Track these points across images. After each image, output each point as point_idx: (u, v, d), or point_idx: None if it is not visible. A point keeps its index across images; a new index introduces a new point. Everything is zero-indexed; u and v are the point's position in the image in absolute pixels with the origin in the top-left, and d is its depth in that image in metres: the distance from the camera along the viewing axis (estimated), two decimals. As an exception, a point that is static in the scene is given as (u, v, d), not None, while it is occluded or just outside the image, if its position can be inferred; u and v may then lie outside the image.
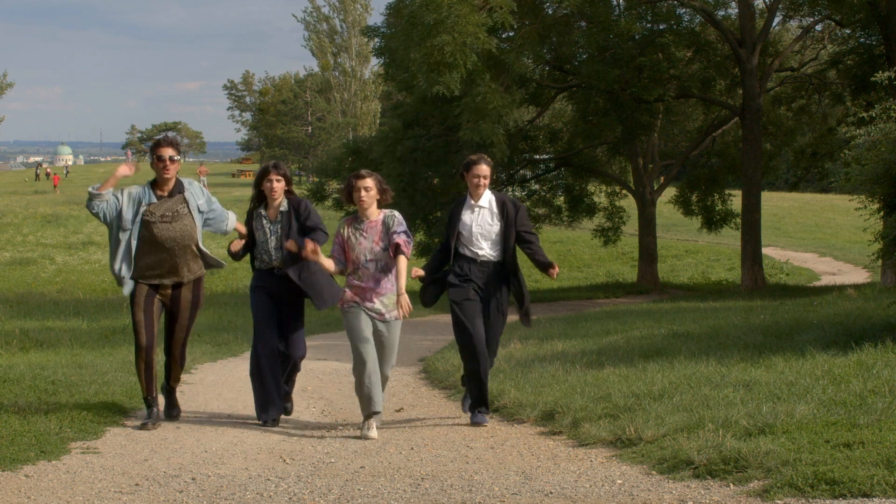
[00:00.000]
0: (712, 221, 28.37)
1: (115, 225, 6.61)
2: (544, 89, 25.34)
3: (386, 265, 6.63)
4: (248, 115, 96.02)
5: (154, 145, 6.75)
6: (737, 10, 24.25)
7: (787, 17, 26.46)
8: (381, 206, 6.76)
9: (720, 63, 25.11)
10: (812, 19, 25.42)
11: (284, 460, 5.85)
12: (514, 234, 6.92)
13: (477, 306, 6.85)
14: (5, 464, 5.43)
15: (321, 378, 9.67)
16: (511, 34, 22.35)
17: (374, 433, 6.54)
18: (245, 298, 20.10)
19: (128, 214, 6.60)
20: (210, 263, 6.91)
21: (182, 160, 6.98)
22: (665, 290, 26.18)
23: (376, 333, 6.65)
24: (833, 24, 25.10)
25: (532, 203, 27.38)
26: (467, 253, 6.93)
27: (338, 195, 23.09)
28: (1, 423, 6.37)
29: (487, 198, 6.99)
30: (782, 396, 6.11)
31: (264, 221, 7.03)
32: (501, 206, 6.96)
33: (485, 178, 6.93)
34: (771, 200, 43.15)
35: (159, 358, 7.05)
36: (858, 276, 28.42)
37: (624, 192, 28.78)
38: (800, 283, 27.40)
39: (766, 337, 9.23)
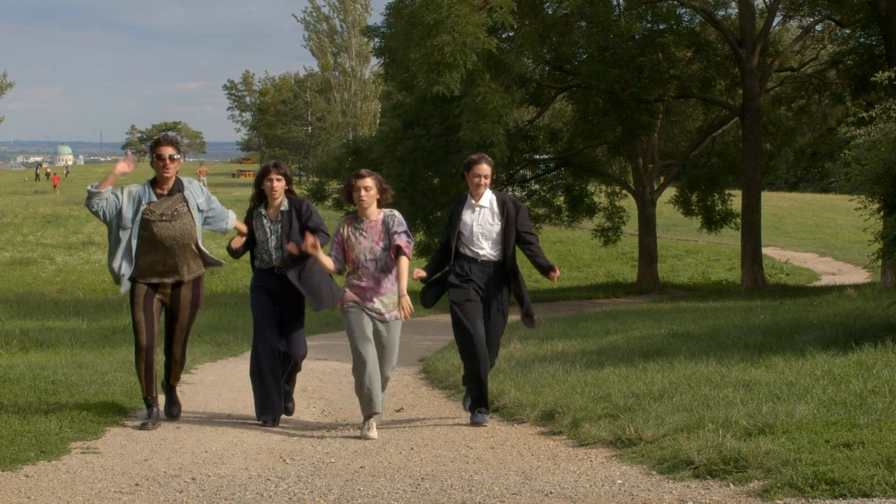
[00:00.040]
0: (712, 221, 28.37)
1: (114, 223, 6.61)
2: (544, 89, 25.34)
3: (386, 265, 6.63)
4: (248, 115, 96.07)
5: (154, 144, 6.75)
6: (737, 10, 24.26)
7: (787, 17, 26.46)
8: (381, 205, 6.75)
9: (720, 63, 25.11)
10: (812, 19, 25.43)
11: (284, 460, 5.85)
12: (514, 234, 6.92)
13: (478, 307, 6.85)
14: (5, 464, 5.43)
15: (321, 378, 9.67)
16: (511, 34, 22.35)
17: (374, 433, 6.54)
18: (245, 298, 20.11)
19: (128, 213, 6.60)
20: (209, 262, 6.91)
21: (182, 160, 6.97)
22: (665, 290, 26.18)
23: (376, 334, 6.64)
24: (833, 24, 25.11)
25: (532, 203, 27.39)
26: (468, 253, 6.92)
27: (338, 195, 23.10)
28: (1, 423, 6.37)
29: (488, 197, 6.98)
30: (782, 396, 6.11)
31: (264, 221, 7.03)
32: (502, 205, 6.95)
33: (486, 177, 6.92)
34: (771, 200, 43.16)
35: (159, 358, 7.05)
36: (858, 276, 28.42)
37: (624, 192, 28.78)
38: (800, 283, 27.40)
39: (766, 337, 9.23)
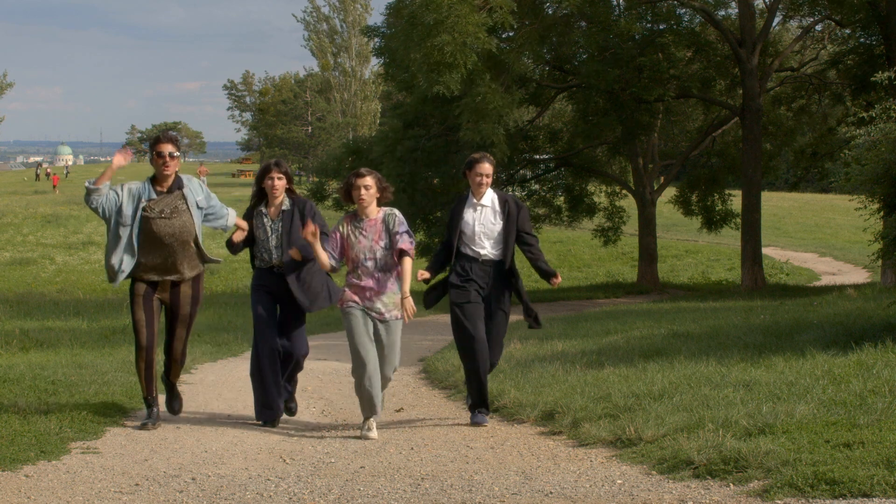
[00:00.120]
0: (712, 221, 28.38)
1: (113, 220, 6.59)
2: (544, 89, 25.34)
3: (386, 264, 6.61)
4: (248, 115, 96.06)
5: (154, 141, 6.74)
6: (737, 10, 24.26)
7: (787, 17, 26.46)
8: (380, 204, 6.73)
9: (720, 63, 25.12)
10: (812, 19, 25.43)
11: (284, 460, 5.85)
12: (514, 233, 6.91)
13: (479, 308, 6.83)
14: (5, 464, 5.43)
15: (321, 378, 9.67)
16: (511, 34, 22.35)
17: (374, 433, 6.54)
18: (245, 298, 20.12)
19: (127, 210, 6.59)
20: (207, 260, 6.90)
21: (182, 159, 6.97)
22: (665, 290, 26.18)
23: (377, 334, 6.62)
24: (833, 24, 25.11)
25: (532, 203, 27.39)
26: (469, 252, 6.91)
27: (338, 195, 23.13)
28: (1, 423, 6.37)
29: (490, 196, 6.97)
30: (782, 396, 6.11)
31: (265, 220, 7.02)
32: (504, 204, 6.95)
33: (487, 176, 6.91)
34: (771, 200, 43.17)
35: (159, 357, 7.05)
36: (858, 276, 28.42)
37: (624, 192, 28.78)
38: (800, 283, 27.40)
39: (766, 337, 9.23)
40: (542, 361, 9.18)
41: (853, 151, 9.17)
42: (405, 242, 6.57)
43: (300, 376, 7.77)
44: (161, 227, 6.59)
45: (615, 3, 23.81)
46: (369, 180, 6.61)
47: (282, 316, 7.07)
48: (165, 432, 6.63)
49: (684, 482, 4.91)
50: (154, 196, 6.65)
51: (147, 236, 6.59)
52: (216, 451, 6.06)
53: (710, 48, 24.89)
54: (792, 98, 27.04)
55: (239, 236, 7.01)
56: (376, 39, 27.26)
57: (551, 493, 4.94)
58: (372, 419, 6.62)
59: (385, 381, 6.76)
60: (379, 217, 6.66)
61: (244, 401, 7.90)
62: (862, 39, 23.75)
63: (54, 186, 64.45)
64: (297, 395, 7.80)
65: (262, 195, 7.09)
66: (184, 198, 6.69)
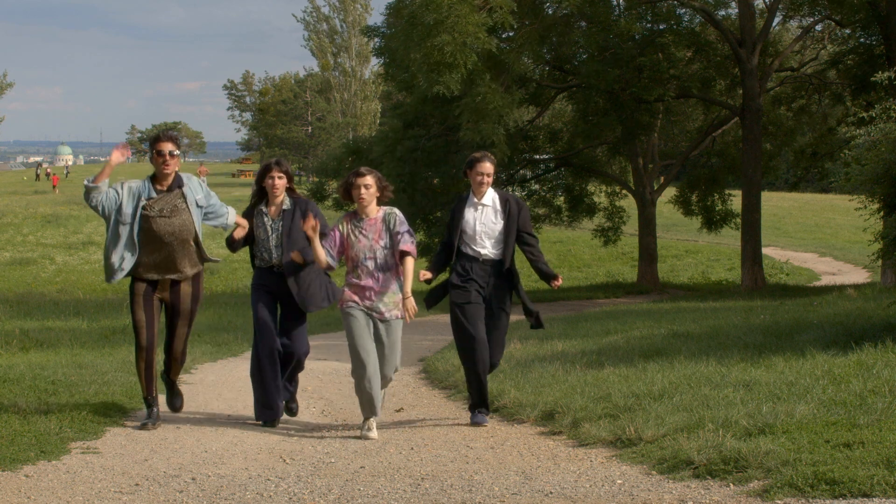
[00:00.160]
0: (712, 221, 28.39)
1: (113, 218, 6.58)
2: (544, 89, 25.35)
3: (385, 263, 6.59)
4: (248, 115, 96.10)
5: (153, 140, 6.73)
6: (737, 10, 24.27)
7: (787, 17, 26.47)
8: (380, 203, 6.72)
9: (720, 63, 25.12)
10: (812, 19, 25.44)
11: (284, 460, 5.85)
12: (515, 233, 6.90)
13: (479, 309, 6.82)
14: (5, 464, 5.43)
15: (321, 378, 9.67)
16: (511, 34, 22.36)
17: (374, 433, 6.53)
18: (245, 298, 20.11)
19: (128, 209, 6.58)
20: (207, 259, 6.89)
21: (182, 159, 6.96)
22: (665, 290, 26.19)
23: (377, 333, 6.60)
24: (833, 24, 25.12)
25: (532, 203, 27.40)
26: (469, 252, 6.89)
27: (338, 195, 23.16)
28: (1, 423, 6.36)
29: (491, 196, 6.96)
30: (782, 396, 6.11)
31: (265, 219, 7.01)
32: (505, 203, 6.93)
33: (488, 175, 6.90)
34: (771, 200, 43.18)
35: (160, 357, 7.05)
36: (858, 276, 28.43)
37: (624, 192, 28.79)
38: (800, 283, 27.41)
39: (766, 337, 9.23)
40: (542, 361, 9.18)
41: (853, 151, 9.17)
42: (407, 243, 6.56)
43: (300, 376, 7.77)
44: (161, 226, 6.59)
45: (615, 3, 23.81)
46: (369, 179, 6.59)
47: (282, 315, 7.07)
48: (165, 432, 6.63)
49: (684, 482, 4.91)
50: (154, 195, 6.64)
51: (147, 235, 6.58)
52: (216, 451, 6.06)
53: (710, 48, 24.90)
54: (792, 98, 27.05)
55: (240, 233, 6.99)
56: (376, 39, 27.27)
57: (551, 493, 4.94)
58: (372, 419, 6.61)
59: (386, 381, 6.75)
60: (379, 216, 6.65)
61: (244, 401, 7.90)
62: (862, 39, 23.76)
63: (54, 186, 64.48)
64: (297, 395, 7.80)
65: (262, 194, 7.08)
66: (183, 196, 6.69)
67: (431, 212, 23.94)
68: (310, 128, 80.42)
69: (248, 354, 9.43)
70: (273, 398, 6.95)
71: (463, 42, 18.63)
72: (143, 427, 6.67)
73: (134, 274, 6.68)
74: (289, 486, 5.22)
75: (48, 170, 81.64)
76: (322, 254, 6.54)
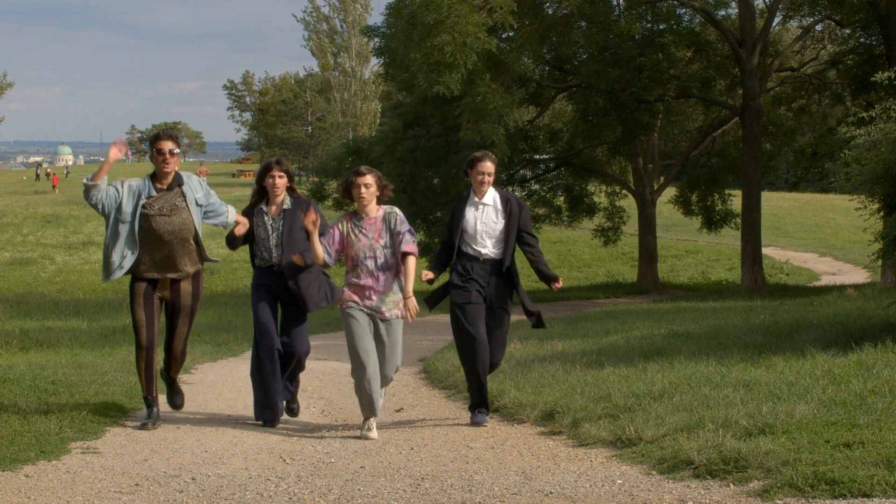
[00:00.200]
0: (712, 221, 28.39)
1: (112, 217, 6.56)
2: (544, 89, 25.35)
3: (385, 262, 6.58)
4: (248, 115, 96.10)
5: (154, 139, 6.72)
6: (737, 10, 24.27)
7: (787, 17, 26.47)
8: (380, 202, 6.71)
9: (720, 63, 25.13)
10: (812, 19, 25.44)
11: (284, 460, 5.85)
12: (515, 233, 6.89)
13: (480, 309, 6.81)
14: (5, 464, 5.43)
15: (321, 378, 9.67)
16: (511, 34, 22.36)
17: (374, 433, 6.53)
18: (245, 298, 20.10)
19: (127, 207, 6.56)
20: (206, 258, 6.88)
21: (182, 159, 6.95)
22: (665, 290, 26.19)
23: (377, 333, 6.59)
24: (833, 24, 25.12)
25: (532, 203, 27.40)
26: (470, 251, 6.88)
27: (338, 195, 23.18)
28: (1, 423, 6.36)
29: (491, 195, 6.95)
30: (782, 396, 6.11)
31: (266, 218, 7.00)
32: (506, 203, 6.92)
33: (489, 175, 6.89)
34: (771, 200, 43.18)
35: (160, 357, 7.04)
36: (858, 276, 28.43)
37: (624, 192, 28.79)
38: (800, 283, 27.41)
39: (766, 337, 9.23)
40: (542, 361, 9.18)
41: (853, 151, 9.17)
42: (409, 244, 6.55)
43: (300, 376, 7.76)
44: (161, 225, 6.58)
45: (615, 3, 23.82)
46: (369, 178, 6.58)
47: (283, 315, 7.06)
48: (165, 432, 6.63)
49: (684, 482, 4.91)
50: (154, 193, 6.63)
51: (147, 234, 6.57)
52: (216, 451, 6.06)
53: (710, 48, 24.90)
54: (792, 98, 27.05)
55: (240, 230, 6.97)
56: (376, 39, 27.28)
57: (551, 493, 4.94)
58: (372, 419, 6.61)
59: (386, 380, 6.74)
60: (379, 215, 6.64)
61: (244, 401, 7.90)
62: (862, 39, 23.76)
63: (53, 187, 64.48)
64: (297, 395, 7.79)
65: (262, 194, 7.07)
66: (182, 195, 6.67)
67: (431, 212, 23.94)
68: (310, 128, 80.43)
69: (248, 354, 9.43)
70: (273, 398, 6.94)
71: (463, 42, 18.63)
72: (143, 427, 6.67)
73: (134, 272, 6.67)
74: (289, 486, 5.22)
75: (48, 170, 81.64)
76: (320, 250, 6.52)
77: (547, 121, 30.06)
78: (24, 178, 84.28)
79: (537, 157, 27.64)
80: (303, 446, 6.29)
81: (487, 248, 6.87)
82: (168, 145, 6.63)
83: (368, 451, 6.09)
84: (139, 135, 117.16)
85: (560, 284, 6.93)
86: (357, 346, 6.50)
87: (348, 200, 6.70)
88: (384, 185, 6.67)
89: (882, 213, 8.85)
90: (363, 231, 6.59)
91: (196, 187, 6.77)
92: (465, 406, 7.43)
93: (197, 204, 6.73)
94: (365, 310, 6.56)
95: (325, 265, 6.63)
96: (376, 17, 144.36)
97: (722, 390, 6.54)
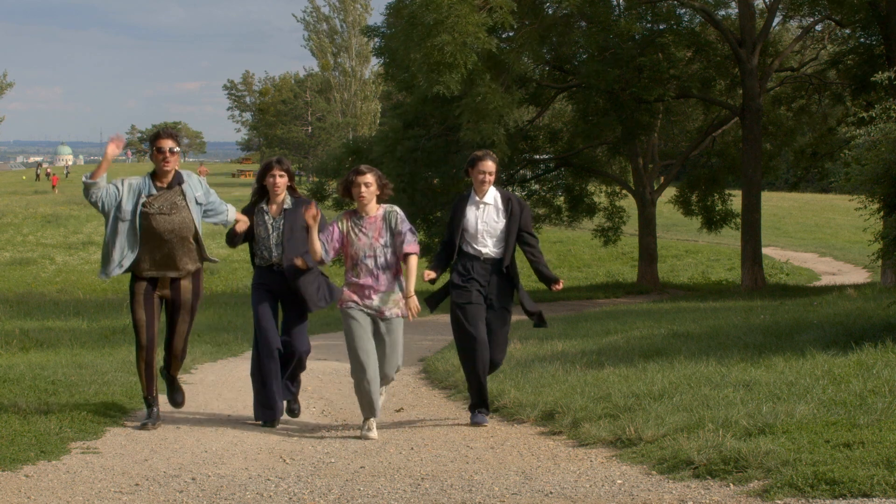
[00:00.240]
0: (712, 221, 28.39)
1: (112, 215, 6.55)
2: (544, 89, 25.35)
3: (385, 261, 6.56)
4: (248, 115, 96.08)
5: (154, 137, 6.70)
6: (737, 10, 24.27)
7: (787, 17, 26.48)
8: (380, 201, 6.70)
9: (720, 63, 25.13)
10: (812, 19, 25.45)
11: (284, 460, 5.85)
12: (516, 232, 6.88)
13: (480, 310, 6.80)
14: (5, 464, 5.43)
15: (321, 378, 9.67)
16: (511, 34, 22.36)
17: (374, 433, 6.53)
18: (245, 298, 20.09)
19: (127, 205, 6.55)
20: (205, 258, 6.87)
21: (182, 159, 6.93)
22: (665, 290, 26.20)
23: (378, 332, 6.59)
24: (833, 24, 25.12)
25: (532, 203, 27.39)
26: (470, 251, 6.87)
27: (337, 194, 23.20)
28: (1, 423, 6.36)
29: (492, 194, 6.94)
30: (782, 396, 6.11)
31: (266, 217, 6.99)
32: (507, 202, 6.91)
33: (490, 174, 6.88)
34: (771, 200, 43.18)
35: (160, 357, 7.03)
36: (858, 276, 28.43)
37: (624, 192, 28.79)
38: (800, 283, 27.42)
39: (766, 337, 9.23)
40: (542, 361, 9.18)
41: (853, 151, 9.17)
42: (411, 244, 6.55)
43: (301, 376, 7.76)
44: (160, 224, 6.57)
45: (615, 3, 23.82)
46: (370, 177, 6.57)
47: (284, 314, 7.06)
48: (165, 432, 6.63)
49: (684, 482, 4.91)
50: (154, 191, 6.62)
51: (146, 232, 6.56)
52: (216, 451, 6.06)
53: (710, 48, 24.90)
54: (792, 98, 27.05)
55: (241, 227, 6.95)
56: (376, 39, 27.28)
57: (551, 493, 4.94)
58: (372, 419, 6.61)
59: (387, 379, 6.73)
60: (379, 214, 6.63)
61: (244, 401, 7.90)
62: (862, 39, 23.76)
63: (53, 187, 64.46)
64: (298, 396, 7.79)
65: (263, 193, 7.07)
66: (182, 193, 6.66)
67: (431, 212, 23.95)
68: (310, 128, 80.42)
69: (248, 354, 9.43)
70: (273, 398, 6.94)
71: (463, 42, 18.63)
72: (143, 427, 6.67)
73: (134, 271, 6.66)
74: (289, 486, 5.22)
75: (48, 170, 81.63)
76: (318, 245, 6.49)
77: (547, 121, 30.06)
78: (24, 177, 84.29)
79: (537, 157, 27.65)
80: (303, 446, 6.29)
81: (488, 247, 6.86)
82: (168, 143, 6.62)
83: (368, 451, 6.09)
84: (139, 135, 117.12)
85: (560, 286, 6.92)
86: (356, 346, 6.50)
87: (348, 199, 6.69)
88: (384, 184, 6.66)
89: (882, 213, 8.85)
90: (363, 230, 6.58)
91: (196, 186, 6.77)
92: (465, 406, 7.43)
93: (197, 202, 6.71)
94: (365, 309, 6.56)
95: (321, 262, 6.61)
96: (376, 17, 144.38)
97: (722, 390, 6.54)
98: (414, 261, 6.54)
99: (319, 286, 6.98)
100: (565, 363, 8.76)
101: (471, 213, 6.88)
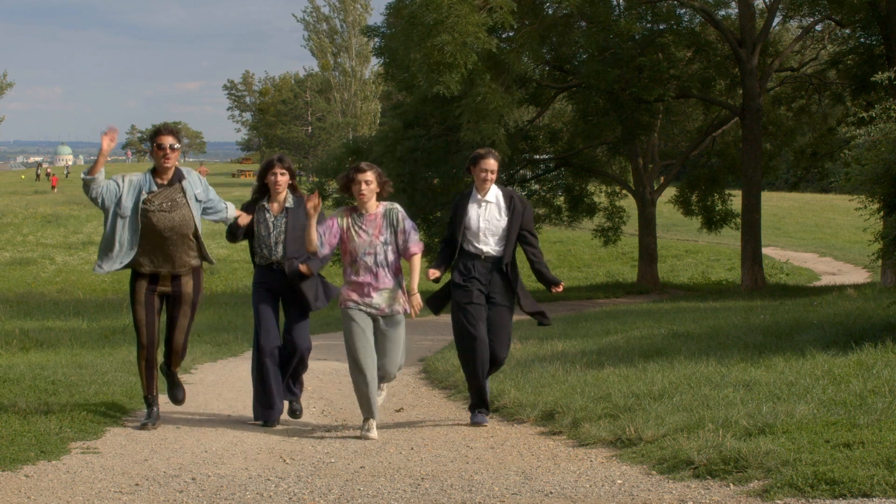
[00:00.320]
0: (712, 221, 28.40)
1: (112, 211, 6.53)
2: (544, 89, 25.36)
3: (385, 259, 6.55)
4: (248, 115, 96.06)
5: (154, 133, 6.67)
6: (737, 10, 24.28)
7: (787, 17, 26.48)
8: (380, 199, 6.69)
9: (720, 63, 25.13)
10: (812, 19, 25.45)
11: (284, 460, 5.85)
12: (518, 230, 6.87)
13: (481, 310, 6.78)
14: (5, 464, 5.43)
15: (321, 378, 9.67)
16: (511, 34, 22.36)
17: (374, 433, 6.53)
18: (245, 298, 20.09)
19: (128, 202, 6.54)
20: (205, 256, 6.86)
21: (182, 159, 6.93)
22: (665, 290, 26.20)
23: (378, 331, 6.58)
24: (833, 24, 25.13)
25: (532, 203, 27.36)
26: (471, 249, 6.85)
27: (338, 195, 23.16)
28: (1, 423, 6.36)
29: (494, 192, 6.92)
30: (782, 396, 6.11)
31: (267, 215, 6.97)
32: (509, 200, 6.89)
33: (492, 172, 6.86)
34: (771, 200, 43.18)
35: (160, 357, 7.03)
36: (858, 276, 28.43)
37: (624, 192, 28.80)
38: (800, 283, 27.42)
39: (766, 337, 9.23)
40: (542, 361, 9.18)
41: (853, 151, 9.17)
42: (416, 244, 6.56)
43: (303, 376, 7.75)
44: (161, 221, 6.56)
45: (615, 3, 23.83)
46: (370, 175, 6.56)
47: (285, 312, 7.05)
48: (165, 432, 6.63)
49: (684, 482, 4.91)
50: (155, 188, 6.61)
51: (147, 229, 6.54)
52: (216, 451, 6.06)
53: (710, 48, 24.91)
54: (792, 98, 27.06)
55: (244, 220, 6.94)
56: (376, 39, 27.28)
57: (551, 493, 4.94)
58: (371, 420, 6.61)
59: (388, 377, 6.70)
60: (379, 212, 6.62)
61: (244, 401, 7.89)
62: (862, 39, 23.77)
63: (53, 187, 64.44)
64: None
65: (264, 191, 7.05)
66: (182, 191, 6.65)
67: (431, 212, 23.95)
68: (310, 128, 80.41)
69: (247, 354, 9.43)
70: (273, 398, 6.93)
71: (463, 42, 18.63)
72: (143, 427, 6.66)
73: (134, 268, 6.65)
74: (289, 486, 5.22)
75: (48, 170, 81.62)
76: (315, 237, 6.46)
77: (547, 121, 30.07)
78: (23, 177, 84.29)
79: (537, 157, 27.66)
80: (303, 446, 6.29)
81: (490, 245, 6.83)
82: (168, 140, 6.61)
83: (368, 451, 6.09)
84: (139, 135, 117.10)
85: (560, 289, 6.90)
86: (355, 347, 6.49)
87: (348, 195, 6.68)
88: (384, 181, 6.65)
89: (882, 213, 8.85)
90: (363, 227, 6.56)
91: (195, 183, 6.76)
92: (465, 406, 7.43)
93: (196, 199, 6.70)
94: (364, 308, 6.54)
95: (314, 253, 6.58)
96: (376, 17, 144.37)
97: (722, 390, 6.54)
98: (418, 259, 6.55)
99: (316, 287, 6.97)
100: (565, 363, 8.76)
101: (473, 211, 6.86)
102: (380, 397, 6.78)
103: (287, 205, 6.97)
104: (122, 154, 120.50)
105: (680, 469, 5.08)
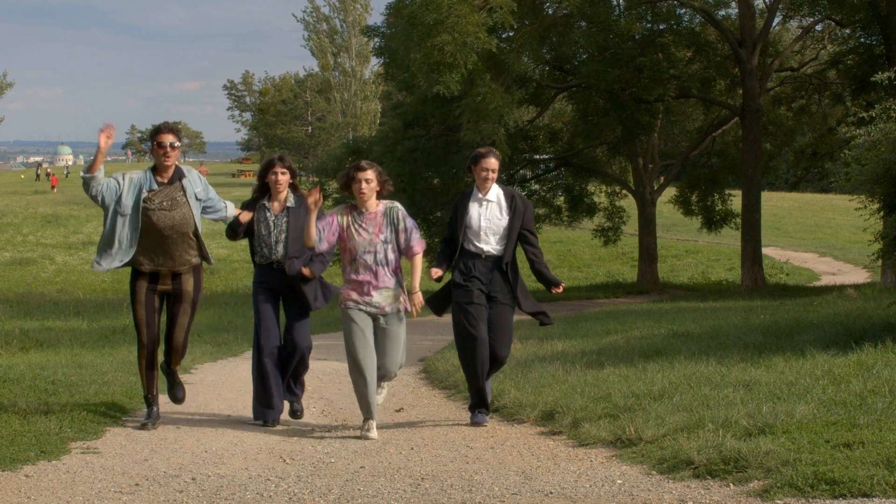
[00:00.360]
0: (712, 221, 28.41)
1: (112, 209, 6.52)
2: (544, 89, 25.36)
3: (385, 257, 6.54)
4: (248, 115, 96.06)
5: (154, 132, 6.66)
6: (737, 10, 24.28)
7: (787, 17, 26.49)
8: (380, 197, 6.69)
9: (720, 63, 25.14)
10: (812, 19, 25.46)
11: (284, 460, 5.85)
12: (518, 230, 6.86)
13: (482, 310, 6.78)
14: (5, 464, 5.43)
15: (321, 378, 9.67)
16: (511, 34, 22.37)
17: (374, 433, 6.52)
18: (245, 298, 20.10)
19: (128, 200, 6.53)
20: (204, 255, 6.86)
21: (182, 159, 6.93)
22: (665, 290, 26.20)
23: (378, 329, 6.57)
24: (833, 24, 25.13)
25: (532, 203, 27.39)
26: (472, 248, 6.84)
27: (338, 195, 23.15)
28: (1, 423, 6.36)
29: (495, 192, 6.92)
30: (782, 396, 6.11)
31: (268, 214, 6.97)
32: (510, 199, 6.88)
33: (493, 171, 6.85)
34: (771, 200, 43.19)
35: (160, 356, 7.03)
36: (858, 276, 28.43)
37: (624, 192, 28.81)
38: (800, 283, 27.42)
39: (766, 337, 9.23)
40: (542, 361, 9.18)
41: (853, 151, 9.17)
42: (420, 243, 6.56)
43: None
44: (161, 219, 6.55)
45: (615, 3, 23.83)
46: (370, 174, 6.55)
47: (285, 311, 7.04)
48: (165, 432, 6.63)
49: (684, 482, 4.91)
50: (155, 187, 6.60)
51: (147, 228, 6.54)
52: (216, 451, 6.06)
53: (710, 48, 24.92)
54: (792, 98, 27.07)
55: (245, 217, 6.94)
56: (376, 39, 27.29)
57: (551, 493, 4.94)
58: (372, 419, 6.60)
59: (388, 375, 6.69)
60: (379, 210, 6.61)
61: (244, 401, 7.89)
62: (862, 39, 23.78)
63: (52, 187, 64.44)
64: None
65: (264, 191, 7.05)
66: (182, 189, 6.65)
67: (431, 212, 23.96)
68: (310, 128, 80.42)
69: (248, 354, 9.43)
70: (273, 398, 6.93)
71: (463, 42, 18.64)
72: (143, 427, 6.66)
73: (134, 266, 6.65)
74: (289, 486, 5.22)
75: (48, 170, 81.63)
76: (314, 232, 6.45)
77: (547, 121, 30.08)
78: (22, 176, 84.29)
79: (537, 157, 27.67)
80: (303, 446, 6.29)
81: (491, 244, 6.82)
82: (169, 139, 6.60)
83: (368, 451, 6.09)
84: (139, 135, 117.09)
85: (560, 290, 6.89)
86: (355, 348, 6.49)
87: (347, 194, 6.68)
88: (384, 180, 6.64)
89: (882, 213, 8.85)
90: (363, 226, 6.56)
91: (195, 181, 6.75)
92: (465, 406, 7.43)
93: (196, 198, 6.70)
94: (364, 308, 6.53)
95: (312, 248, 6.57)
96: (376, 17, 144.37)
97: (722, 390, 6.54)
98: (419, 257, 6.55)
99: (314, 287, 6.97)
100: (565, 363, 8.76)
101: (474, 210, 6.85)
102: (380, 396, 6.78)
103: (288, 204, 6.97)
104: (121, 154, 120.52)
105: (680, 469, 5.08)
